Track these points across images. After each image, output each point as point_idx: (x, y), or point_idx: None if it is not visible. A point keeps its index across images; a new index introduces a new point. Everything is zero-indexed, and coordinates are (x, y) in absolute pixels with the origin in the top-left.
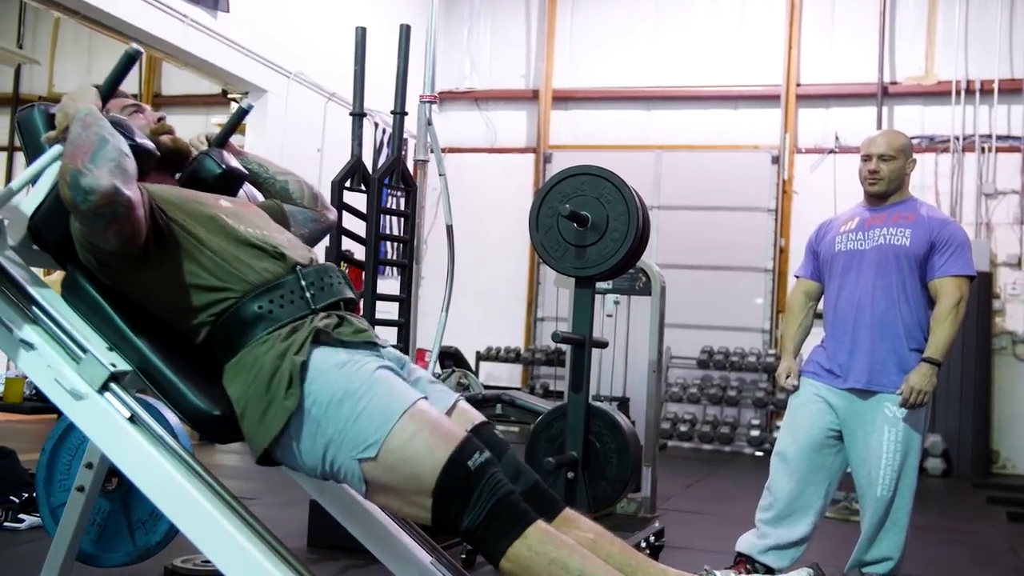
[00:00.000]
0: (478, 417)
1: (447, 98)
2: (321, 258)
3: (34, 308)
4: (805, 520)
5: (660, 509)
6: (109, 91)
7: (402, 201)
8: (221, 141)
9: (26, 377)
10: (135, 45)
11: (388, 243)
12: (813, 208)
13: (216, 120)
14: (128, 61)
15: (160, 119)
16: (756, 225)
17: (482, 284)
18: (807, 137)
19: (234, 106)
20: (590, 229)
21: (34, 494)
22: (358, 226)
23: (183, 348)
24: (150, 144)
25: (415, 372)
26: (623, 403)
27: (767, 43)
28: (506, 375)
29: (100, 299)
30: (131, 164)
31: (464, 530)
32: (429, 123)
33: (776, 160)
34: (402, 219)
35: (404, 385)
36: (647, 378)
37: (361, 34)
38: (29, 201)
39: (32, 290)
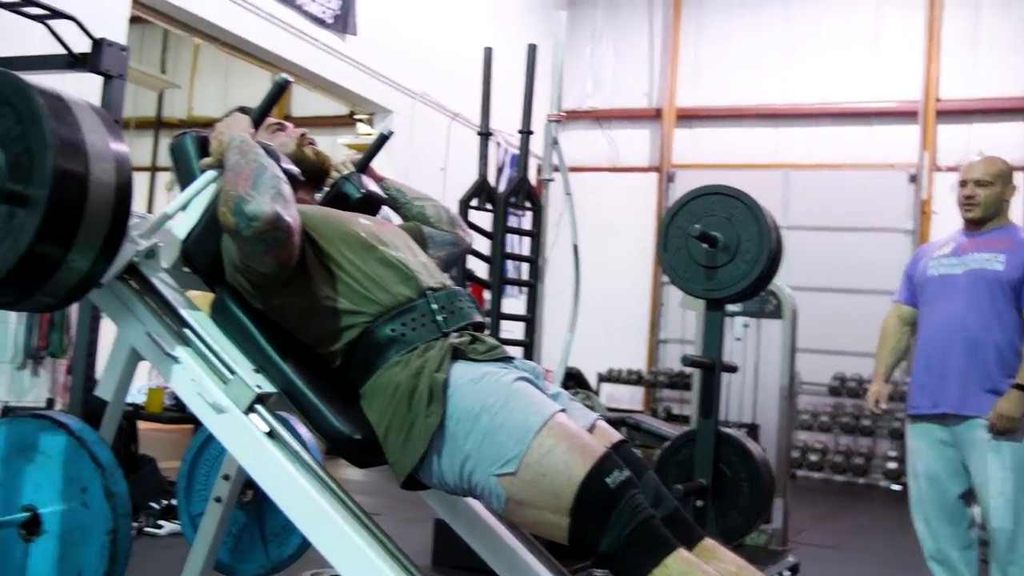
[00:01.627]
0: (616, 436)
1: (569, 117)
2: None
3: (185, 329)
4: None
5: (792, 542)
6: (260, 118)
7: (524, 220)
8: (362, 166)
9: (166, 388)
10: (284, 75)
11: (510, 262)
12: (955, 229)
13: (343, 140)
14: (278, 90)
15: (303, 134)
16: (892, 246)
17: (604, 304)
18: (948, 155)
19: (361, 127)
20: (720, 250)
21: (173, 501)
22: (482, 245)
23: (324, 371)
24: (295, 169)
25: (552, 387)
26: (752, 430)
27: (904, 56)
28: (628, 398)
29: (247, 321)
30: (289, 189)
31: (602, 553)
32: (555, 142)
33: (914, 179)
34: (527, 238)
35: (542, 397)
36: (777, 404)
37: (488, 54)
38: (181, 225)
39: (184, 312)
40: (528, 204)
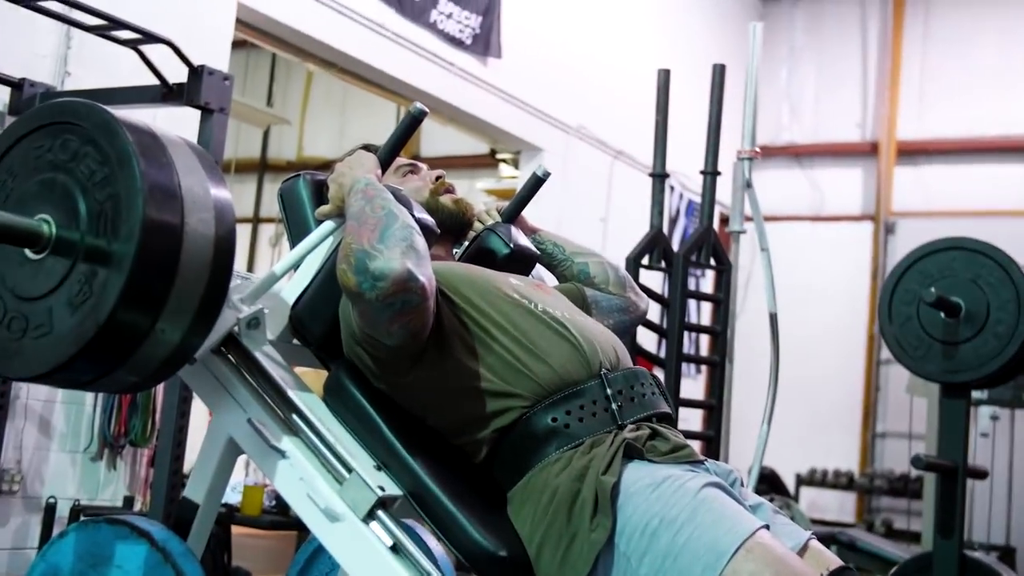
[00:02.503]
0: (835, 561)
1: (762, 154)
2: None
3: (294, 415)
4: None
5: None
6: (389, 157)
7: (703, 282)
8: (512, 215)
9: (266, 486)
10: (419, 104)
11: (689, 334)
12: None
13: (482, 185)
14: (412, 122)
15: (439, 177)
16: None
17: (804, 388)
18: None
19: (505, 169)
20: (964, 321)
21: None
22: (654, 313)
23: (462, 469)
24: (430, 219)
25: (751, 495)
26: (1007, 553)
27: None
28: (835, 506)
29: (369, 407)
30: (423, 243)
31: None
32: (748, 185)
33: None
34: (708, 304)
35: (738, 509)
36: None
37: (664, 78)
38: (291, 287)
39: (293, 393)
40: (713, 262)
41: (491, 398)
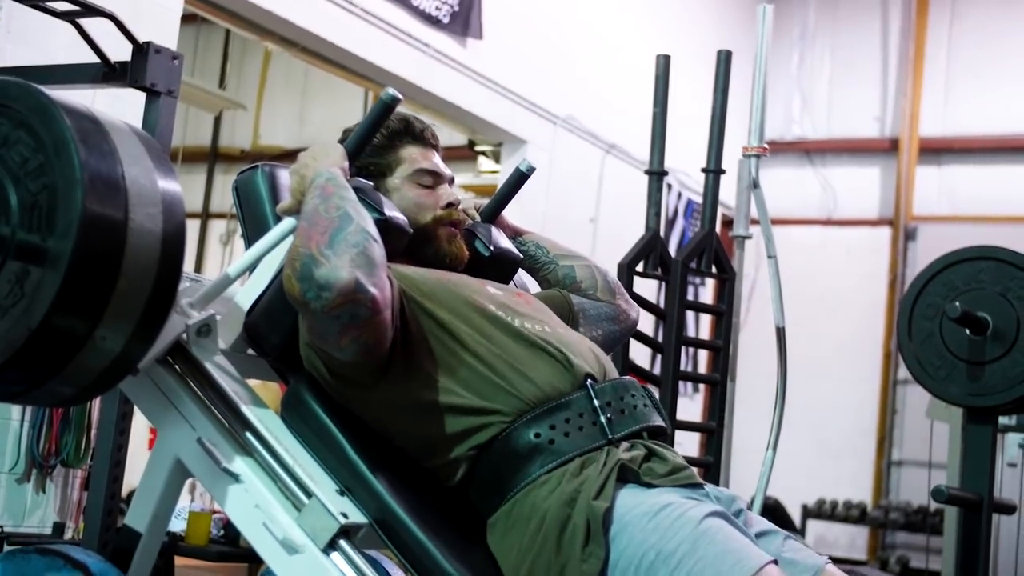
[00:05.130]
0: None
1: (770, 150)
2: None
3: (248, 434)
4: None
5: None
6: (358, 148)
7: (703, 291)
8: (492, 214)
9: (215, 512)
10: (391, 90)
11: (687, 349)
12: None
13: (459, 180)
14: (384, 111)
15: (449, 204)
16: None
17: (813, 411)
18: None
19: (484, 163)
20: (991, 338)
21: None
22: (648, 324)
23: (433, 493)
24: (401, 218)
25: (757, 522)
26: None
27: None
28: (846, 541)
29: (331, 424)
30: (378, 251)
31: None
32: (755, 185)
33: None
34: (709, 317)
35: (744, 542)
36: None
37: (663, 65)
38: (246, 291)
39: (247, 410)
40: (714, 270)
41: (466, 415)
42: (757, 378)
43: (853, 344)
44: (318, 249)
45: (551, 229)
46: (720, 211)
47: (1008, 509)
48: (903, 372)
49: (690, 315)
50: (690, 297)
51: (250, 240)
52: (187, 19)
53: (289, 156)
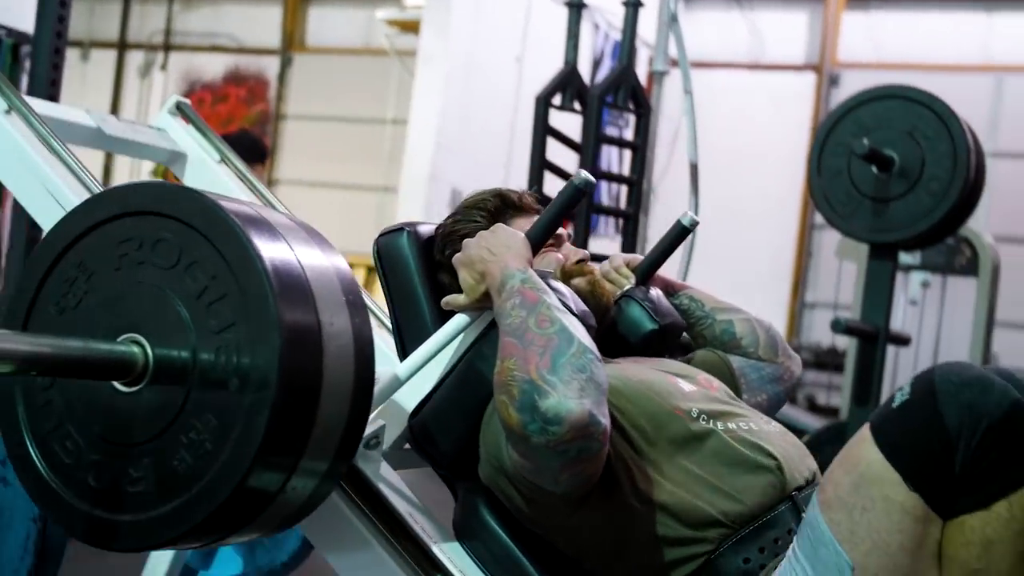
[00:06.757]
0: None
1: None
2: None
3: (438, 575)
4: None
5: None
6: (544, 237)
7: (626, 130)
8: (648, 273)
9: None
10: (584, 173)
11: (604, 184)
12: None
13: (383, 15)
14: (574, 196)
15: (580, 260)
16: None
17: (731, 252)
18: None
19: None
20: (896, 175)
21: None
22: (565, 159)
23: None
24: (591, 316)
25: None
26: None
27: None
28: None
29: (519, 552)
30: (604, 375)
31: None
32: (674, 19)
33: None
34: (628, 152)
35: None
36: None
37: None
38: (410, 390)
39: (435, 548)
40: (632, 106)
41: (668, 545)
42: (672, 216)
43: (774, 189)
44: (539, 375)
45: (477, 68)
46: (645, 51)
47: (903, 341)
48: (820, 217)
49: (614, 154)
50: (612, 134)
51: (397, 313)
52: None
53: (448, 235)
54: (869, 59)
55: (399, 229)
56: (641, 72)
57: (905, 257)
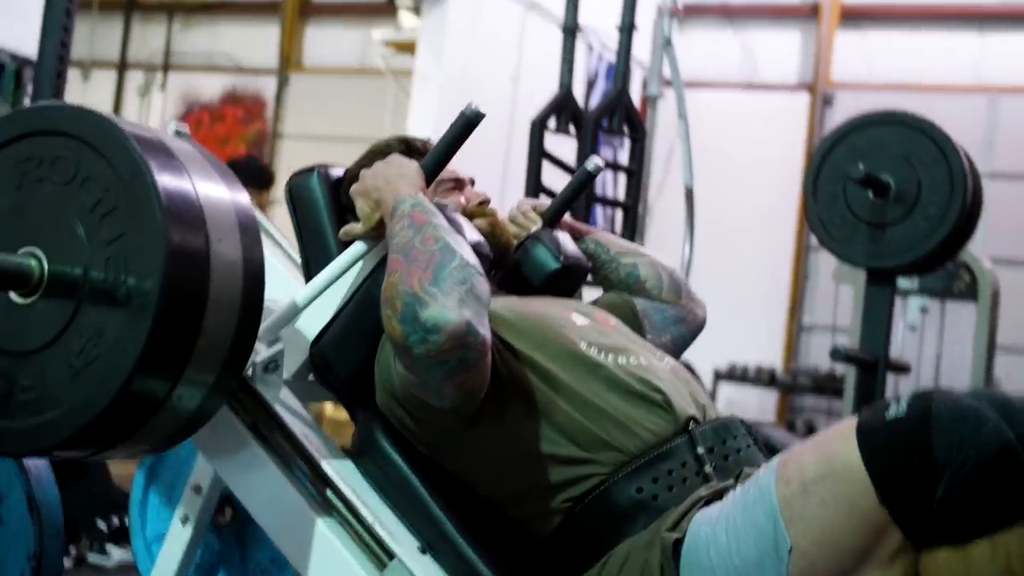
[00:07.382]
0: None
1: (689, 12)
2: None
3: (328, 491)
4: None
5: None
6: (436, 169)
7: (620, 151)
8: (555, 217)
9: None
10: (474, 105)
11: (600, 208)
12: None
13: (379, 36)
14: (466, 127)
15: (482, 202)
16: None
17: (725, 275)
18: None
19: (405, 18)
20: (893, 201)
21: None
22: (562, 181)
23: (525, 550)
24: (485, 246)
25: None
26: None
27: None
28: (755, 404)
29: (411, 474)
30: (485, 287)
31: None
32: (668, 43)
33: None
34: (623, 176)
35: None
36: None
37: None
38: (311, 318)
39: (325, 464)
40: (627, 129)
41: (562, 464)
42: (673, 242)
43: (769, 210)
44: (421, 287)
45: (471, 88)
46: (639, 72)
47: (902, 368)
48: (816, 239)
49: (610, 178)
50: (609, 158)
51: (306, 249)
52: None
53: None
54: (863, 79)
55: (310, 170)
56: (634, 91)
57: (903, 282)
